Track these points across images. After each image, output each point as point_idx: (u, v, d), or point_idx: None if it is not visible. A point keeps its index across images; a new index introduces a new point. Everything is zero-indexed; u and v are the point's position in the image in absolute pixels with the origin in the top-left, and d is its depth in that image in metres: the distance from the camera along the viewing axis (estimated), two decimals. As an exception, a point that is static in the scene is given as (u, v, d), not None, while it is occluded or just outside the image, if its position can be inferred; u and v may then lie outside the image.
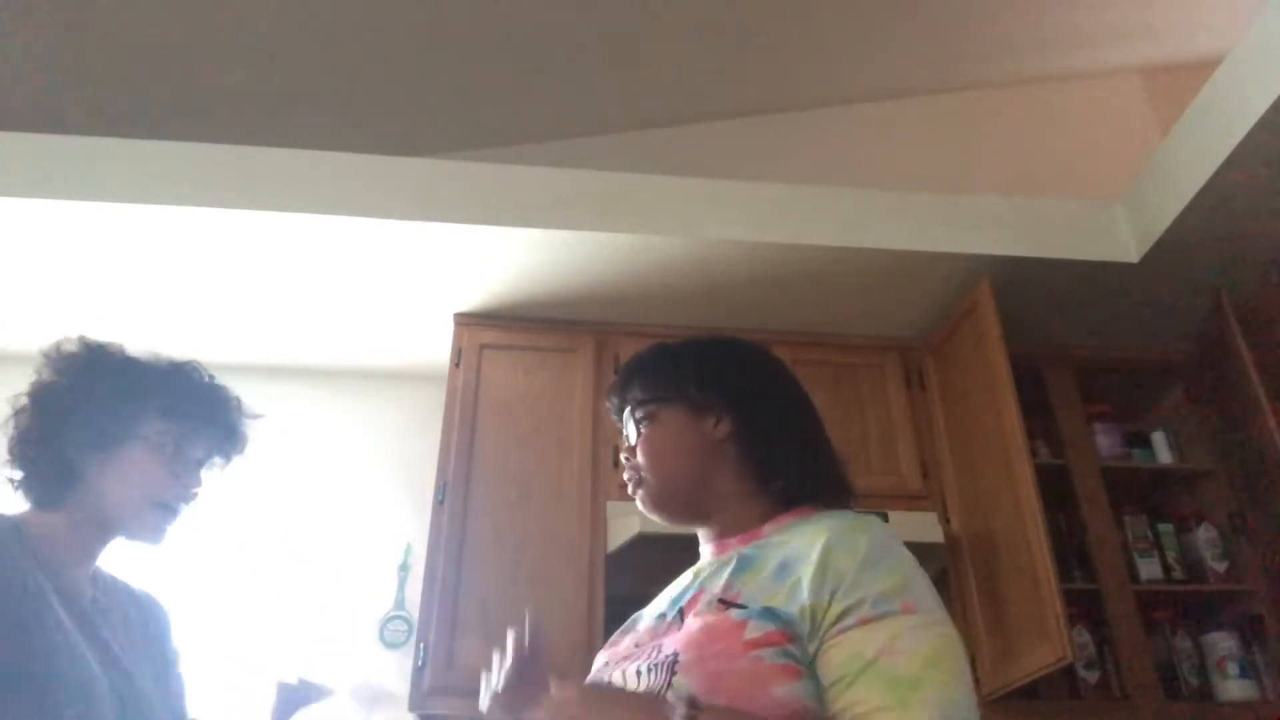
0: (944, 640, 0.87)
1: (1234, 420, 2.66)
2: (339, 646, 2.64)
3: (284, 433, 2.94)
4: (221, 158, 2.51)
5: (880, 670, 0.84)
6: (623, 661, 1.01)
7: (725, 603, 0.95)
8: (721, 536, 1.09)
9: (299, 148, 2.56)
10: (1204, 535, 2.72)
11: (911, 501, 2.61)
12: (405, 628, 2.68)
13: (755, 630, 0.89)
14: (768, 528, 1.06)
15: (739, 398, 1.13)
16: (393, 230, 2.50)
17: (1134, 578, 2.60)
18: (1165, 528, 2.75)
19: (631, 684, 0.94)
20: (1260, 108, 2.17)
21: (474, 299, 2.76)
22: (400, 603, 2.73)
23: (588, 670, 1.09)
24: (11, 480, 1.24)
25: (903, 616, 0.87)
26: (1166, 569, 2.67)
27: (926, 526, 2.52)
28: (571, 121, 3.60)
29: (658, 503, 1.12)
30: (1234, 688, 2.49)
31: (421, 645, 2.33)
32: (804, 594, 0.90)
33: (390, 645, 2.67)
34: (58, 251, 2.54)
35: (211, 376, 1.35)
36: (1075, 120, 3.84)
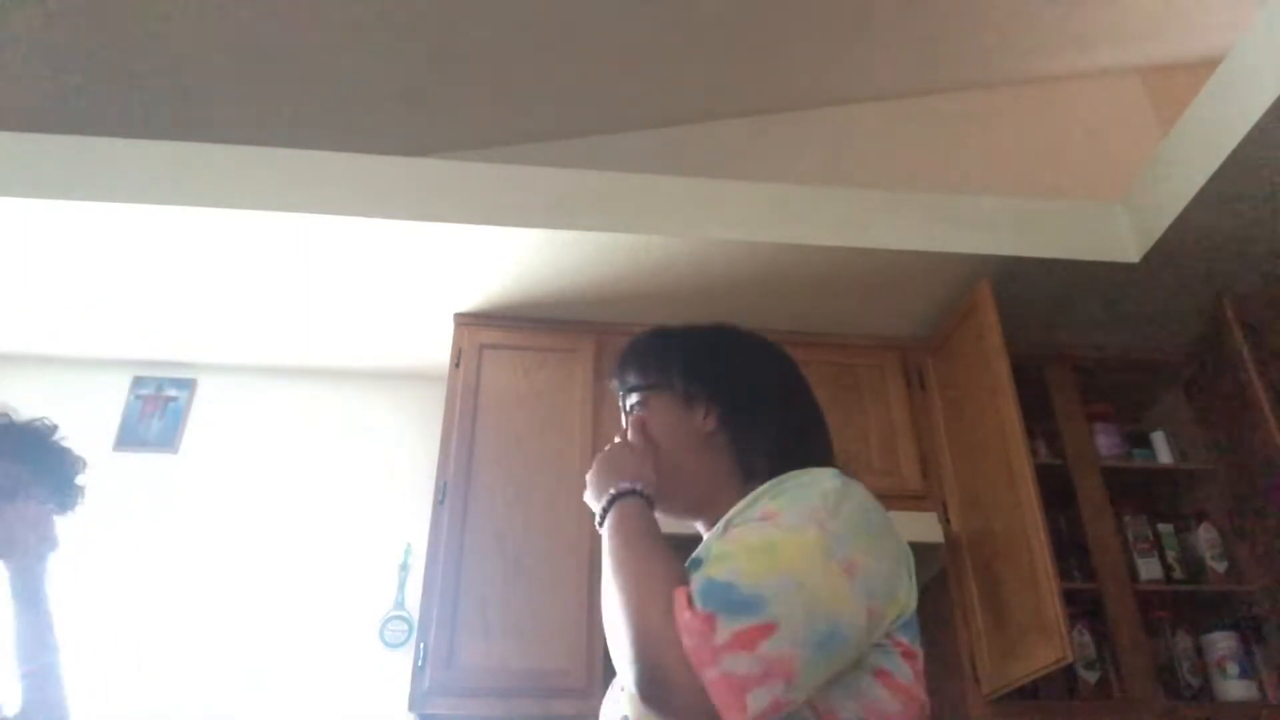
0: (785, 533, 0.86)
1: (1234, 420, 2.66)
2: (339, 646, 2.65)
3: (285, 433, 2.95)
4: (221, 158, 2.51)
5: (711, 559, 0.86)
6: None
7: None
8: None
9: (299, 148, 2.56)
10: (1204, 535, 2.72)
11: (911, 501, 2.60)
12: (405, 628, 2.68)
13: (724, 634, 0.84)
14: None
15: (725, 390, 1.10)
16: (393, 230, 2.50)
17: (1134, 578, 2.60)
18: (1165, 528, 2.75)
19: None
20: (1260, 108, 2.17)
21: (474, 299, 2.76)
22: (400, 603, 2.73)
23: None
24: None
25: (756, 522, 0.88)
26: (1166, 569, 2.67)
27: (926, 526, 2.52)
28: (571, 121, 3.60)
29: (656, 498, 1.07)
30: (1234, 688, 2.50)
31: (421, 645, 2.32)
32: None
33: (390, 645, 2.67)
34: (57, 251, 2.54)
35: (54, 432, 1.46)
36: (1075, 120, 3.84)
